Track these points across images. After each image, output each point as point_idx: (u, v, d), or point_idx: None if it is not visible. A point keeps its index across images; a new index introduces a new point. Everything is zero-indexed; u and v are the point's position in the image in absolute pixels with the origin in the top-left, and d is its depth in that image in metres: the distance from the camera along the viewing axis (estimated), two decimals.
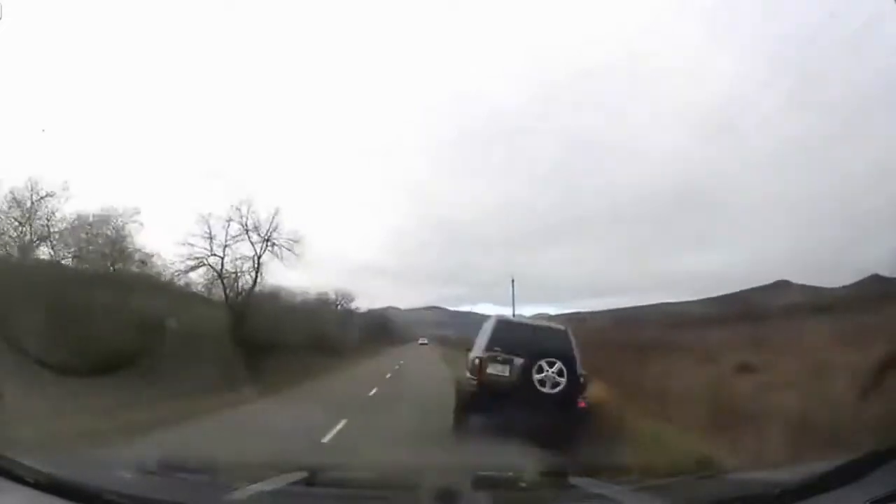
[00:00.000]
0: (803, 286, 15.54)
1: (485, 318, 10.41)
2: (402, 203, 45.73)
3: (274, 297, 21.89)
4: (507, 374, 7.30)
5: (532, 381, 7.11)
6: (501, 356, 7.36)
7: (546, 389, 7.11)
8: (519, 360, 7.27)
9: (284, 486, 2.22)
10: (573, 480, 2.32)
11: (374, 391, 14.19)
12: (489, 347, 7.53)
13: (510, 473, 2.81)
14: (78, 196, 14.76)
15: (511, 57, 42.48)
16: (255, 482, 2.15)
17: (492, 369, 7.33)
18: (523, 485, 2.55)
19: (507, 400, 7.02)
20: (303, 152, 45.84)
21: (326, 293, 29.72)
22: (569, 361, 7.26)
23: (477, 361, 7.46)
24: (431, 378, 16.25)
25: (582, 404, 7.27)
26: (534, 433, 5.74)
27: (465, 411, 7.55)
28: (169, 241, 18.31)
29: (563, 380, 7.13)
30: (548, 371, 7.14)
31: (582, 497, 2.24)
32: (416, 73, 47.31)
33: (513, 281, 25.10)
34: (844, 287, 12.61)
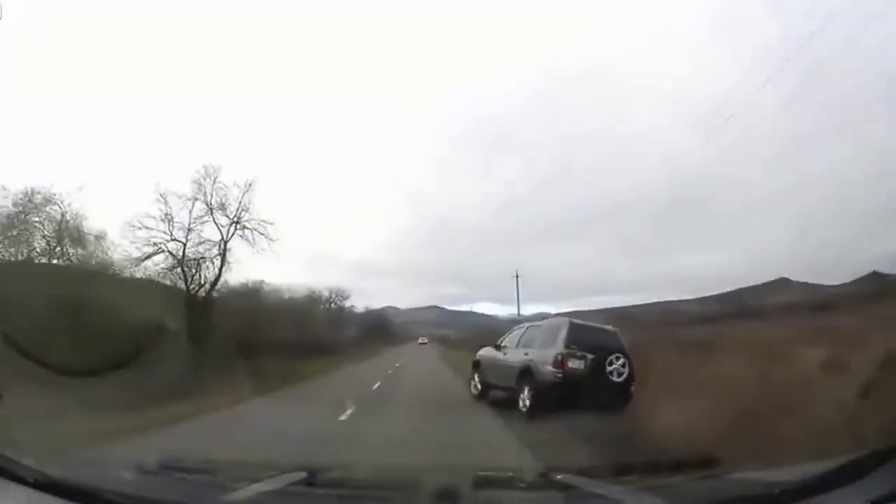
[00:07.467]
0: (803, 284, 15.61)
1: (484, 316, 12.05)
2: (402, 202, 45.79)
3: (252, 293, 20.12)
4: (581, 367, 9.10)
5: (604, 372, 9.10)
6: (578, 353, 9.14)
7: (615, 378, 9.17)
8: (590, 356, 9.11)
9: (284, 486, 2.22)
10: (573, 480, 2.32)
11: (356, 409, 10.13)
12: (567, 345, 9.19)
13: (510, 473, 2.80)
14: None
15: (510, 58, 42.72)
16: (255, 482, 2.15)
17: (571, 364, 9.05)
18: (523, 485, 2.55)
19: (583, 387, 8.69)
20: (301, 148, 45.55)
21: (318, 290, 29.11)
22: (627, 356, 9.34)
23: (559, 357, 9.07)
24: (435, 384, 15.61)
25: (632, 388, 9.24)
26: (603, 409, 7.73)
27: (545, 397, 8.96)
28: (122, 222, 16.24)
29: (626, 370, 9.24)
30: (616, 364, 9.25)
31: (582, 497, 2.23)
32: (418, 75, 47.50)
33: (517, 277, 25.30)
34: (843, 284, 12.68)
